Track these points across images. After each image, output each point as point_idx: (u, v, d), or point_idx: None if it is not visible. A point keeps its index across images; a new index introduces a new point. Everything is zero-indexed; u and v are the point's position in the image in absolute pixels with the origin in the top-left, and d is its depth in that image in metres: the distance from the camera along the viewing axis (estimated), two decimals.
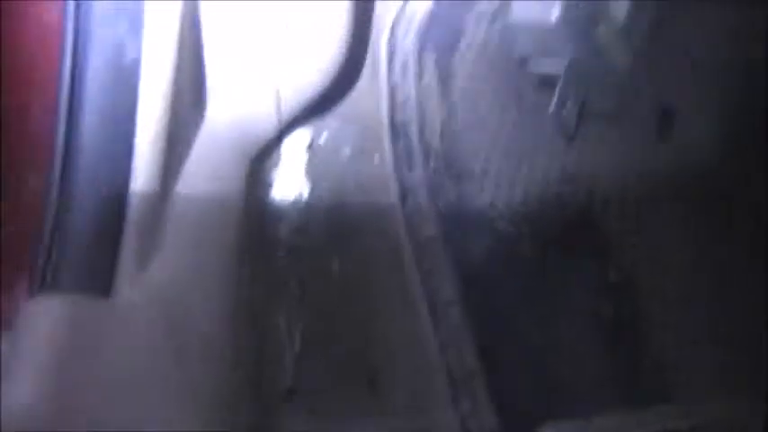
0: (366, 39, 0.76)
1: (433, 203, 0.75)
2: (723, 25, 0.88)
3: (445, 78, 0.77)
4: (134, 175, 0.66)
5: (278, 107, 0.74)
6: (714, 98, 0.87)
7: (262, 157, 0.77)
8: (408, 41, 0.77)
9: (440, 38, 0.78)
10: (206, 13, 0.68)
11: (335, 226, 0.77)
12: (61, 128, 0.63)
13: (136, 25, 0.65)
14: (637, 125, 0.82)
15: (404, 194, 0.76)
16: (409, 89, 0.77)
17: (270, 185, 0.79)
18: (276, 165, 0.79)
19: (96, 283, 0.62)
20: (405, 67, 0.77)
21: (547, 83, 0.76)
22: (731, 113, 0.87)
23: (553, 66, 0.74)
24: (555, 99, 0.72)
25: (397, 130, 0.77)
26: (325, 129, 0.79)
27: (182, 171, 0.70)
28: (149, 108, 0.66)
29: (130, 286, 0.63)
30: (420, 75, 0.77)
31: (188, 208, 0.70)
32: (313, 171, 0.79)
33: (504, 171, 0.78)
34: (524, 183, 0.79)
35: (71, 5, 0.64)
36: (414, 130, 0.76)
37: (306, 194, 0.79)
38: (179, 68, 0.67)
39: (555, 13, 0.71)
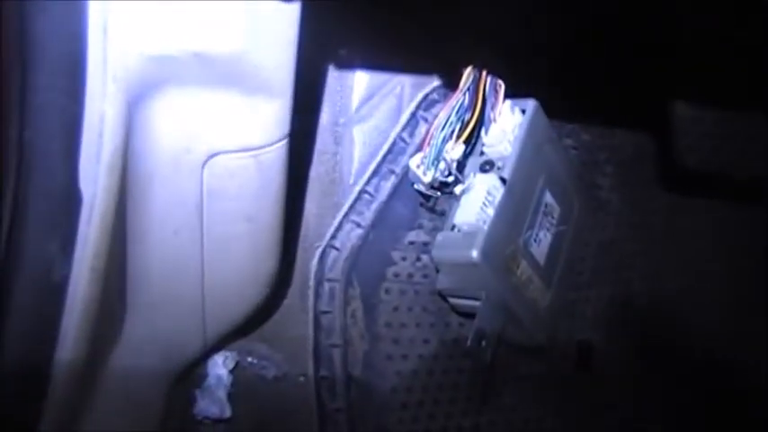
0: (292, 268, 0.78)
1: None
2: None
3: (370, 308, 0.79)
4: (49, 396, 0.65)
5: (204, 328, 0.74)
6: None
7: (184, 377, 0.77)
8: (337, 269, 0.79)
9: (368, 267, 0.80)
10: (134, 229, 0.69)
11: None
12: None
13: (67, 244, 0.66)
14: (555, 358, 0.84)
15: (323, 422, 0.76)
16: (335, 316, 0.78)
17: (191, 405, 0.78)
18: (199, 385, 0.79)
19: None
20: (332, 294, 0.79)
21: (468, 315, 0.78)
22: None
23: (472, 303, 0.76)
24: (472, 333, 0.73)
25: (320, 356, 0.77)
26: (252, 351, 0.80)
27: (99, 390, 0.69)
28: (72, 324, 0.66)
29: None
30: (346, 303, 0.79)
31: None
32: (236, 393, 0.79)
33: (425, 404, 0.78)
34: (443, 417, 0.79)
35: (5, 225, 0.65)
36: (337, 357, 0.77)
37: (227, 416, 0.79)
38: (106, 285, 0.68)
39: (476, 250, 0.73)
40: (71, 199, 0.63)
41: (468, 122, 0.77)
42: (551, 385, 0.84)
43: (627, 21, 0.86)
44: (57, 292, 0.65)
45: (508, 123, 0.78)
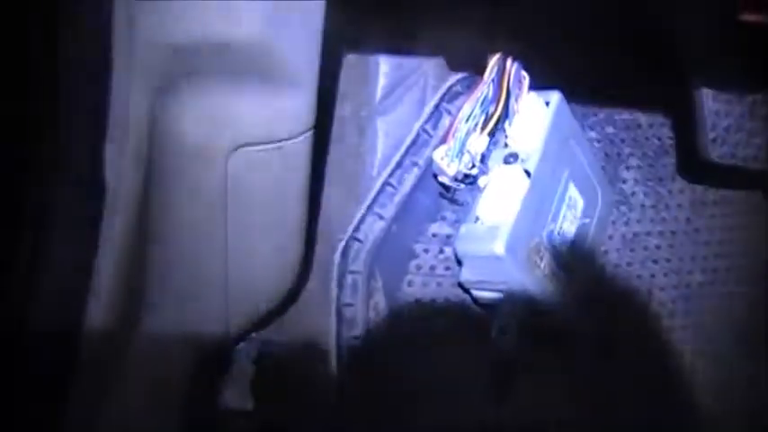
0: (314, 260, 0.78)
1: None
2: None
3: (393, 300, 0.79)
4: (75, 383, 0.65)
5: (227, 319, 0.74)
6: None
7: (207, 368, 0.77)
8: (359, 262, 0.79)
9: (390, 260, 0.80)
10: (158, 220, 0.69)
11: None
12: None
13: (92, 235, 0.67)
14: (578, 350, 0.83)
15: (346, 414, 0.76)
16: (357, 309, 0.78)
17: (214, 396, 0.79)
18: (222, 376, 0.79)
19: None
20: (354, 286, 0.79)
21: (490, 309, 0.78)
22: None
23: (495, 295, 0.76)
24: (494, 326, 0.73)
25: (343, 348, 0.77)
26: (274, 343, 0.80)
27: (123, 379, 0.69)
28: (97, 313, 0.67)
29: None
30: (369, 295, 0.79)
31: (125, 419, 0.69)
32: (259, 384, 0.79)
33: (446, 397, 0.78)
34: (465, 410, 0.79)
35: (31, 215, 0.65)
36: (360, 350, 0.77)
37: (250, 407, 0.79)
38: (130, 275, 0.69)
39: (500, 243, 0.73)
40: (96, 190, 0.64)
41: (493, 114, 0.76)
42: (574, 378, 0.83)
43: (652, 13, 0.85)
44: (82, 281, 0.66)
45: (532, 115, 0.77)
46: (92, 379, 0.66)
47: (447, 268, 0.81)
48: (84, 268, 0.65)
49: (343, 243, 0.79)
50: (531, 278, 0.76)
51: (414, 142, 0.81)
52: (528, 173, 0.75)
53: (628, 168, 0.93)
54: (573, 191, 0.81)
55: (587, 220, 0.84)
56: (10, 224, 0.62)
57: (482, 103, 0.76)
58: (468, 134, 0.75)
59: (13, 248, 0.62)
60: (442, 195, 0.80)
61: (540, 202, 0.77)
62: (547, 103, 0.79)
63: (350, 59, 0.80)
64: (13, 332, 0.61)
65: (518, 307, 0.76)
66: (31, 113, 0.63)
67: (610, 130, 0.94)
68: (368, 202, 0.79)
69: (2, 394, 0.61)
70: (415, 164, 0.81)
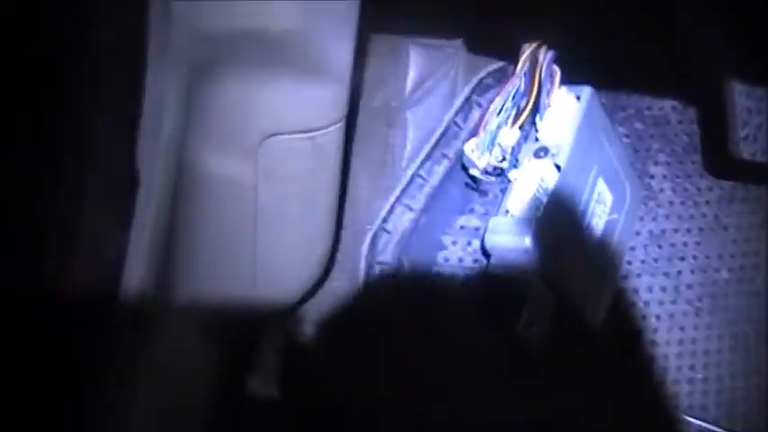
0: (342, 251, 0.79)
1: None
2: None
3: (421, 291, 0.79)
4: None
5: (254, 309, 0.75)
6: None
7: (234, 358, 0.77)
8: (387, 253, 0.79)
9: (418, 251, 0.80)
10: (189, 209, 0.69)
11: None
12: None
13: (124, 222, 0.67)
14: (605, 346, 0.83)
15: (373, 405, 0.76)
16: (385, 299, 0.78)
17: (241, 386, 0.79)
18: (248, 366, 0.79)
19: None
20: (382, 276, 0.79)
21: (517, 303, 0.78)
22: None
23: (522, 286, 0.76)
24: (522, 320, 0.73)
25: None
26: (301, 333, 0.80)
27: (152, 365, 0.70)
28: (127, 301, 0.67)
29: None
30: (398, 285, 0.79)
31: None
32: (285, 374, 0.79)
33: (473, 393, 0.78)
34: (491, 406, 0.79)
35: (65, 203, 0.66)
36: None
37: (276, 396, 0.79)
38: (161, 264, 0.69)
39: (528, 236, 0.73)
40: (129, 178, 0.64)
41: (524, 108, 0.76)
42: (600, 373, 0.83)
43: (684, 8, 0.85)
44: (113, 270, 0.66)
45: (563, 110, 0.77)
46: (119, 368, 0.67)
47: (475, 261, 0.81)
48: (115, 260, 0.65)
49: (371, 234, 0.79)
50: (560, 272, 0.76)
51: (444, 134, 0.81)
52: (558, 167, 0.75)
53: (656, 164, 0.93)
54: (602, 186, 0.81)
55: (615, 216, 0.83)
56: (45, 209, 0.62)
57: (513, 97, 0.76)
58: (499, 127, 0.75)
59: (48, 232, 0.62)
60: (471, 188, 0.80)
61: (569, 196, 0.76)
62: (578, 98, 0.79)
63: (381, 51, 0.80)
64: (48, 306, 0.62)
65: (546, 302, 0.75)
66: (64, 102, 0.63)
67: (639, 125, 0.93)
68: (397, 193, 0.79)
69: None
70: (445, 156, 0.81)
